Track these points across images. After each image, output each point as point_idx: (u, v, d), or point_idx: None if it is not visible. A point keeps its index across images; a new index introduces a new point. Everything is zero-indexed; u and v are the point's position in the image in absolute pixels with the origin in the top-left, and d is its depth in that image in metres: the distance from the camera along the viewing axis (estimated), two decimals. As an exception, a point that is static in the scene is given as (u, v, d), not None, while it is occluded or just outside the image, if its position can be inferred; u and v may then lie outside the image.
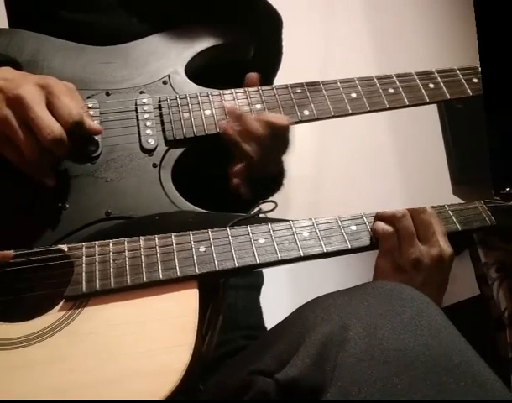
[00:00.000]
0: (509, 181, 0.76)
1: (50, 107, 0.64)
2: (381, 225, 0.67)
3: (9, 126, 0.62)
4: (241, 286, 0.85)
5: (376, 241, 0.67)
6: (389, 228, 0.67)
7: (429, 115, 1.08)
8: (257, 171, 0.75)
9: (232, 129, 0.73)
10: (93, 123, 0.68)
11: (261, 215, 0.69)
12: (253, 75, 0.79)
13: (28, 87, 0.63)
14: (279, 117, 0.74)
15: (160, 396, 0.51)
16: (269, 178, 0.81)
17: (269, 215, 0.71)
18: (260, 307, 0.91)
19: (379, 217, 0.68)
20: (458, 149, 1.13)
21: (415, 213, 0.67)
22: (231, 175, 0.75)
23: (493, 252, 0.93)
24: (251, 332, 0.84)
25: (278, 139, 0.74)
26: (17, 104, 0.62)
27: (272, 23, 0.88)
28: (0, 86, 0.64)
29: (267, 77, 0.87)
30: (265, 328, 0.89)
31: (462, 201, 0.77)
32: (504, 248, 0.90)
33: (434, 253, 0.66)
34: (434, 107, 1.08)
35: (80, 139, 0.68)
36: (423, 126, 1.22)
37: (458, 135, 1.13)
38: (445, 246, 0.67)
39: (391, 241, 0.66)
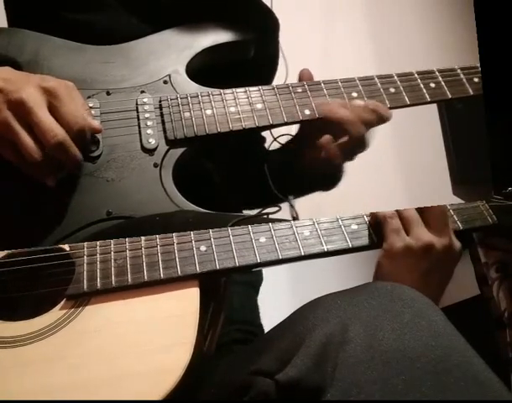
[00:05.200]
0: (510, 181, 0.76)
1: (54, 111, 0.64)
2: (381, 212, 0.67)
3: (11, 129, 0.62)
4: (239, 282, 0.85)
5: (377, 240, 0.67)
6: (390, 212, 0.66)
7: (429, 115, 1.08)
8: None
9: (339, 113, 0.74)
10: (93, 122, 0.68)
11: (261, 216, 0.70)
12: (306, 71, 0.80)
13: (29, 90, 0.63)
14: (384, 108, 0.75)
15: (161, 395, 0.51)
16: (327, 175, 0.83)
17: (270, 216, 0.71)
18: (257, 305, 0.91)
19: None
20: (458, 149, 1.13)
21: (425, 208, 0.67)
22: (328, 144, 0.75)
23: (493, 252, 0.93)
24: (245, 326, 0.84)
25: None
26: (18, 107, 0.62)
27: (270, 24, 0.88)
28: (0, 87, 0.63)
29: (265, 78, 0.87)
30: (260, 325, 0.89)
31: (463, 201, 0.77)
32: (504, 248, 0.90)
33: (446, 243, 0.66)
34: (434, 107, 1.07)
35: (80, 143, 0.67)
36: (423, 126, 1.22)
37: (458, 135, 1.12)
38: (455, 240, 0.67)
39: (394, 222, 0.66)
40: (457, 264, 0.68)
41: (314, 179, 0.81)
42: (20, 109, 0.62)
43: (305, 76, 0.79)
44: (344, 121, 0.74)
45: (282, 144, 0.83)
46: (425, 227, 0.66)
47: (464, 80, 0.80)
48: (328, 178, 0.85)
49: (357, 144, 0.75)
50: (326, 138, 0.75)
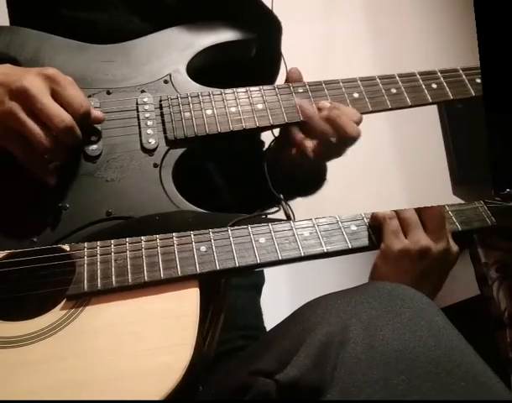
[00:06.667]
0: (510, 182, 0.76)
1: (56, 97, 0.64)
2: (381, 212, 0.67)
3: (17, 118, 0.62)
4: (241, 286, 0.85)
5: (377, 241, 0.67)
6: (389, 212, 0.67)
7: (429, 115, 1.08)
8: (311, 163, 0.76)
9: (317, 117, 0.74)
10: (96, 111, 0.69)
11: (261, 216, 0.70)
12: (294, 70, 0.80)
13: (31, 78, 0.63)
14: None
15: (161, 395, 0.51)
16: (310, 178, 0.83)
17: (269, 216, 0.71)
18: (260, 308, 0.91)
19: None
20: (458, 149, 1.13)
21: (423, 208, 0.67)
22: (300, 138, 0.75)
23: (493, 252, 0.93)
24: (249, 331, 0.84)
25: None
26: (22, 96, 0.62)
27: (271, 24, 0.88)
28: (0, 80, 0.63)
29: (267, 78, 0.87)
30: (264, 328, 0.89)
31: (462, 202, 0.77)
32: (504, 248, 0.90)
33: (442, 247, 0.66)
34: (434, 107, 1.07)
35: (83, 131, 0.67)
36: (423, 126, 1.22)
37: (458, 135, 1.13)
38: (452, 243, 0.67)
39: (393, 223, 0.66)
40: (452, 268, 0.68)
41: (296, 179, 0.81)
42: (24, 98, 0.62)
43: (293, 75, 0.79)
44: (311, 121, 0.74)
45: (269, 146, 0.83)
46: (423, 229, 0.66)
47: (466, 81, 0.80)
48: (310, 180, 0.85)
49: (330, 146, 0.75)
50: (300, 136, 0.75)
